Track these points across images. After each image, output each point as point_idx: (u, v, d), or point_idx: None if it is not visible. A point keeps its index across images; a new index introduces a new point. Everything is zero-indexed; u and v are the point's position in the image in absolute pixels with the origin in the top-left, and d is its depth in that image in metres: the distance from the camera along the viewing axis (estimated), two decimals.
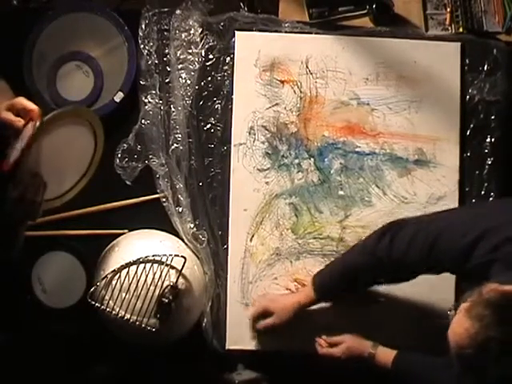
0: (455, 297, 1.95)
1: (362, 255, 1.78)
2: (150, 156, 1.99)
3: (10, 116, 1.58)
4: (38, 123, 1.53)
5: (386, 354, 1.84)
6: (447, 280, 1.92)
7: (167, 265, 1.85)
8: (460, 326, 1.36)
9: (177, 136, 2.00)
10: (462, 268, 1.59)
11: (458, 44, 2.02)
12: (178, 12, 2.00)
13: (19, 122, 1.56)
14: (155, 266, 1.84)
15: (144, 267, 1.84)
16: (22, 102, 1.59)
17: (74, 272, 1.97)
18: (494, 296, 1.36)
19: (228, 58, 2.02)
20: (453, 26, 2.04)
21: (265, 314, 1.93)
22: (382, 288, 1.93)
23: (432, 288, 1.92)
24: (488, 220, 1.59)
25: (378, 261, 1.73)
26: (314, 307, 1.94)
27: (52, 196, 1.74)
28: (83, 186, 1.81)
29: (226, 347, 1.98)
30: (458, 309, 1.40)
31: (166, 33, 2.00)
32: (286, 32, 2.02)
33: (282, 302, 1.91)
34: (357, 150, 2.01)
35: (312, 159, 2.01)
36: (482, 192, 2.01)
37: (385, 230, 1.75)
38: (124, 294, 1.83)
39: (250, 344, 1.98)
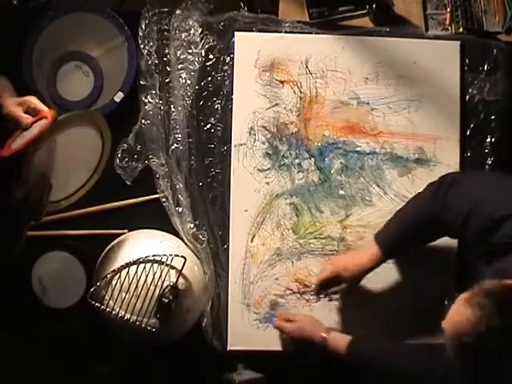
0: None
1: (419, 208, 1.78)
2: (150, 156, 1.99)
3: (19, 112, 1.59)
4: (50, 123, 1.53)
5: (339, 340, 1.82)
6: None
7: (167, 265, 1.85)
8: (460, 315, 1.36)
9: (177, 136, 2.00)
10: (485, 240, 1.58)
11: (458, 44, 2.03)
12: (178, 12, 2.00)
13: (27, 119, 1.57)
14: (155, 266, 1.84)
15: (144, 267, 1.84)
16: (34, 101, 1.60)
17: (73, 272, 1.96)
18: (496, 287, 1.36)
19: (228, 58, 2.02)
20: (453, 26, 2.04)
21: (333, 278, 1.90)
22: (382, 283, 1.95)
23: (432, 273, 1.95)
24: None
25: (433, 212, 1.73)
26: (314, 307, 1.97)
27: (58, 197, 1.74)
28: (89, 188, 1.81)
29: (228, 348, 1.97)
30: (457, 299, 1.39)
31: (166, 33, 2.01)
32: (285, 32, 2.02)
33: (353, 268, 1.86)
34: (357, 149, 2.01)
35: (312, 159, 2.01)
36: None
37: (441, 181, 1.75)
38: (124, 294, 1.82)
39: (250, 344, 1.97)
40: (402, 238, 1.82)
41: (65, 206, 1.79)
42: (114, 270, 1.84)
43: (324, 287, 1.94)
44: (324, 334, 1.84)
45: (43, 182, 1.59)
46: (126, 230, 1.98)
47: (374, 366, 1.77)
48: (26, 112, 1.59)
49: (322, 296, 1.97)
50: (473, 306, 1.35)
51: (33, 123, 1.56)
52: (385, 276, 1.96)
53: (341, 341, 1.82)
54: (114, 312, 1.82)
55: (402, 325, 1.96)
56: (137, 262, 1.84)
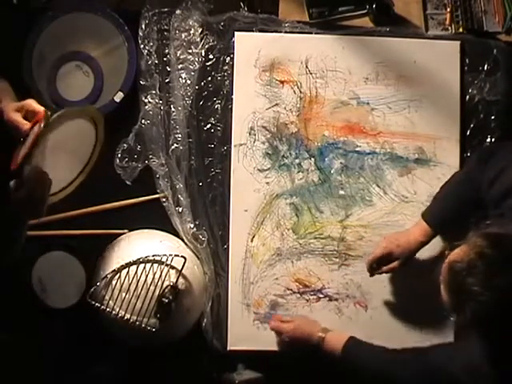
0: None
1: (461, 181, 1.83)
2: (150, 156, 1.99)
3: (18, 117, 1.59)
4: (42, 124, 1.53)
5: (335, 339, 1.83)
6: None
7: (167, 265, 1.85)
8: (458, 250, 1.46)
9: (177, 136, 2.00)
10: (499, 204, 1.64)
11: (458, 44, 2.03)
12: (178, 12, 2.00)
13: (25, 125, 1.57)
14: (155, 265, 1.84)
15: (144, 267, 1.84)
16: (32, 104, 1.60)
17: (73, 272, 1.97)
18: (496, 232, 1.46)
19: (228, 58, 2.02)
20: (453, 26, 2.04)
21: (387, 256, 1.89)
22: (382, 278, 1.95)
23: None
24: None
25: (474, 182, 1.76)
26: (314, 307, 1.98)
27: (54, 190, 1.73)
28: (82, 180, 1.79)
29: (228, 348, 1.98)
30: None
31: (166, 33, 2.01)
32: (285, 32, 2.02)
33: (405, 244, 1.87)
34: (357, 149, 2.01)
35: (312, 159, 2.01)
36: None
37: (481, 153, 1.80)
38: (124, 294, 1.82)
39: (250, 344, 1.97)
40: (447, 210, 1.85)
41: (58, 199, 1.77)
42: (114, 270, 1.84)
43: (378, 264, 1.92)
44: (321, 334, 1.85)
45: (43, 178, 1.59)
46: (126, 230, 1.98)
47: (366, 368, 1.78)
48: (25, 116, 1.59)
49: (377, 272, 1.93)
50: (469, 243, 1.45)
51: (31, 128, 1.56)
52: (388, 280, 1.98)
53: (337, 341, 1.83)
54: (114, 312, 1.82)
55: (400, 328, 1.96)
56: (137, 262, 1.84)
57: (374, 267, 1.91)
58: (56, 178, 1.61)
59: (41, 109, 1.58)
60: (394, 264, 1.88)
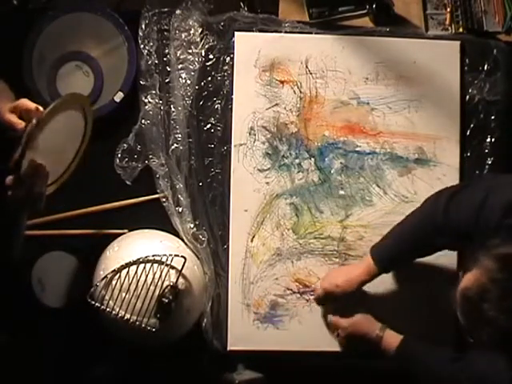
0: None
1: (418, 221, 1.78)
2: (150, 156, 1.99)
3: (13, 118, 1.59)
4: (34, 121, 1.53)
5: (392, 339, 1.84)
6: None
7: (167, 265, 1.84)
8: (469, 275, 1.44)
9: (177, 136, 1.99)
10: (499, 225, 1.59)
11: (458, 44, 2.03)
12: (177, 12, 2.00)
13: (20, 124, 1.57)
14: (155, 265, 1.84)
15: (144, 267, 1.84)
16: (25, 103, 1.60)
17: (73, 272, 1.97)
18: (506, 252, 1.43)
19: (228, 58, 2.02)
20: (453, 26, 2.04)
21: (329, 295, 1.91)
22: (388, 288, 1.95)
23: (435, 267, 1.95)
24: None
25: (434, 224, 1.72)
26: (314, 307, 1.97)
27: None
28: (74, 169, 1.79)
29: (228, 348, 1.97)
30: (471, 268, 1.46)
31: (166, 33, 2.00)
32: (285, 32, 2.02)
33: (346, 285, 1.87)
34: (357, 149, 2.01)
35: (312, 159, 2.01)
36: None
37: (440, 194, 1.75)
38: (124, 294, 1.82)
39: (250, 344, 1.97)
40: (398, 252, 1.82)
41: (53, 190, 1.76)
42: (114, 270, 1.84)
43: (321, 303, 1.96)
44: (379, 332, 1.85)
45: (40, 171, 1.59)
46: (126, 230, 1.98)
47: (422, 367, 1.79)
48: (20, 115, 1.59)
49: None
50: (480, 267, 1.43)
51: (26, 127, 1.56)
52: (391, 281, 1.98)
53: (394, 339, 1.84)
54: (114, 312, 1.82)
55: (400, 327, 1.95)
56: (137, 262, 1.84)
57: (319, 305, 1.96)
58: (50, 171, 1.61)
59: (33, 106, 1.58)
60: (337, 303, 1.91)
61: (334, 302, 1.93)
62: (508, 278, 1.39)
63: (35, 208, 1.61)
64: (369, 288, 1.93)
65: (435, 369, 1.75)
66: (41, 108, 1.59)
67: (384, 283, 1.96)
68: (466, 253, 1.89)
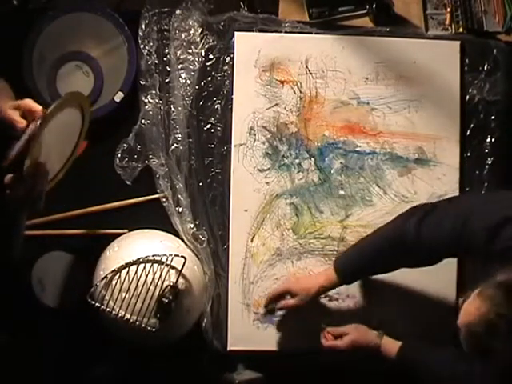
0: (456, 288, 1.97)
1: (386, 237, 1.76)
2: (150, 156, 1.99)
3: (15, 116, 1.59)
4: (39, 122, 1.53)
5: (390, 345, 1.84)
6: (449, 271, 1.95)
7: (167, 265, 1.84)
8: (471, 307, 1.38)
9: (177, 136, 1.99)
10: (486, 250, 1.56)
11: (458, 44, 2.03)
12: (178, 12, 2.00)
13: (21, 123, 1.57)
14: (155, 265, 1.84)
15: (144, 267, 1.84)
16: (29, 103, 1.60)
17: (74, 272, 1.97)
18: (506, 279, 1.37)
19: (228, 58, 2.02)
20: (453, 26, 2.04)
21: (285, 294, 1.91)
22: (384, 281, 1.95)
23: (434, 278, 1.93)
24: None
25: (403, 242, 1.70)
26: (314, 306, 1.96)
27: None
28: (69, 166, 1.78)
29: (228, 348, 1.98)
30: (470, 294, 1.41)
31: (166, 33, 2.00)
32: (285, 32, 2.01)
33: (305, 284, 1.88)
34: (357, 149, 2.01)
35: (312, 159, 2.01)
36: (482, 192, 2.00)
37: (412, 212, 1.73)
38: (124, 294, 1.82)
39: (250, 344, 1.97)
40: (361, 268, 1.82)
41: (51, 186, 1.76)
42: (114, 270, 1.84)
43: (273, 303, 1.95)
44: (377, 341, 1.85)
45: (41, 169, 1.58)
46: (125, 230, 1.98)
47: (426, 369, 1.78)
48: (23, 115, 1.59)
49: (268, 312, 1.97)
50: (484, 298, 1.37)
51: (27, 126, 1.56)
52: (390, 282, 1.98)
53: (392, 345, 1.83)
54: (114, 312, 1.82)
55: (401, 327, 1.96)
56: (137, 262, 1.84)
57: (271, 307, 1.95)
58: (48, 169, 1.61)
59: (38, 108, 1.58)
60: (292, 300, 1.89)
61: (280, 305, 1.92)
62: None
63: (35, 208, 1.60)
64: (369, 288, 1.93)
65: (435, 369, 1.75)
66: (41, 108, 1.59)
67: (384, 284, 1.96)
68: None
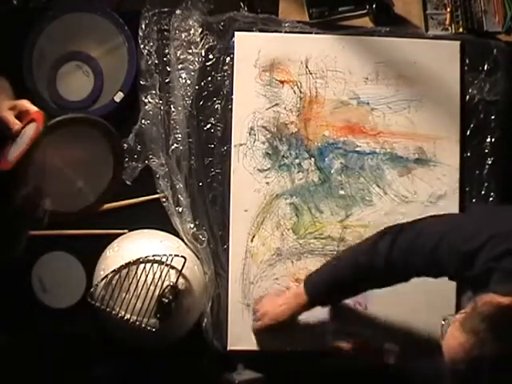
0: (456, 301, 1.97)
1: (356, 260, 1.73)
2: (150, 156, 1.99)
3: (9, 116, 1.59)
4: (41, 128, 1.53)
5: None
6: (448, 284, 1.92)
7: (167, 265, 1.85)
8: (455, 340, 1.32)
9: (177, 136, 1.99)
10: (462, 274, 1.54)
11: (458, 44, 2.03)
12: (178, 12, 2.00)
13: (16, 125, 1.57)
14: (155, 265, 1.84)
15: (144, 267, 1.84)
16: (26, 104, 1.60)
17: (73, 272, 1.96)
18: (489, 309, 1.30)
19: (228, 58, 2.02)
20: (453, 26, 2.04)
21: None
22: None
23: (433, 291, 1.93)
24: (491, 227, 1.51)
25: (375, 263, 1.68)
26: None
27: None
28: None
29: (228, 348, 1.97)
30: (452, 320, 1.36)
31: (166, 33, 2.00)
32: (285, 32, 2.01)
33: (276, 308, 1.89)
34: (357, 149, 2.01)
35: (312, 159, 2.01)
36: (482, 192, 2.01)
37: (383, 233, 1.70)
38: (124, 294, 1.82)
39: (250, 344, 1.98)
40: (332, 290, 1.80)
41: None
42: (114, 270, 1.84)
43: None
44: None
45: (41, 176, 1.59)
46: (125, 230, 1.98)
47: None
48: (17, 116, 1.59)
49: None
50: (467, 331, 1.30)
51: (22, 128, 1.56)
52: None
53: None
54: (114, 312, 1.82)
55: (400, 327, 1.96)
56: (137, 262, 1.84)
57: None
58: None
59: (34, 109, 1.58)
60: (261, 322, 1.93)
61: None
62: (501, 346, 1.26)
63: (39, 223, 1.61)
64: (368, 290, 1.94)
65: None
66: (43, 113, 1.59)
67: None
68: None
